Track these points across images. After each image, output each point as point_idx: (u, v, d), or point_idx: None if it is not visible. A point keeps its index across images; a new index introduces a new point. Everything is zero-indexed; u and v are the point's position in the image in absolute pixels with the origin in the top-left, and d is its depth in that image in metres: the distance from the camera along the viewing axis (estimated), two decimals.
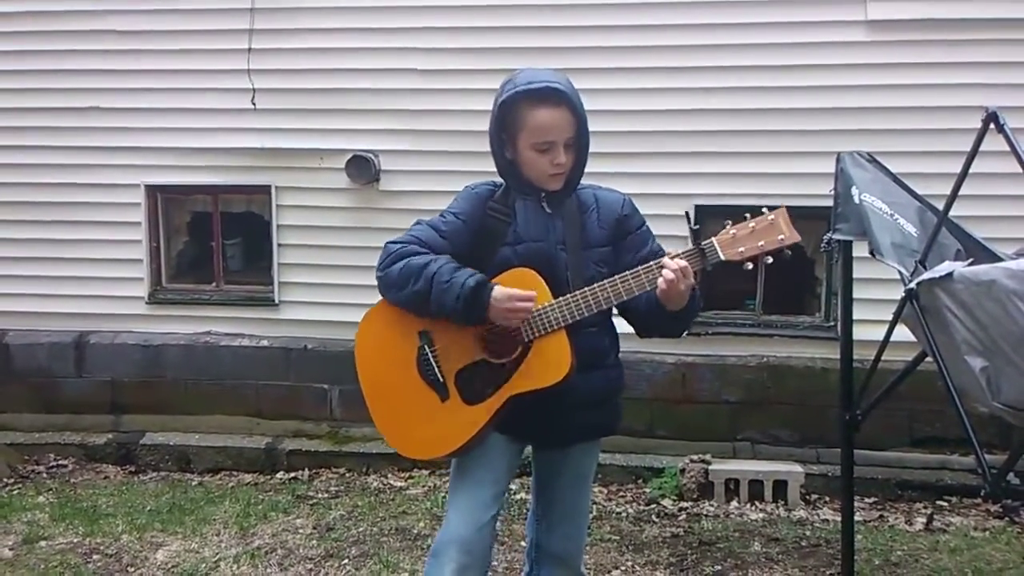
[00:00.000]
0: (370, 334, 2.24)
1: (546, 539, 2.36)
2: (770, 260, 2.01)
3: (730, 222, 2.03)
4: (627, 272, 2.05)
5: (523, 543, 2.47)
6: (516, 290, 2.03)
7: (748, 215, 2.02)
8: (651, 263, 2.04)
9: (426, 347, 2.16)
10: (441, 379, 2.15)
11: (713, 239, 2.02)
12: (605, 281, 2.06)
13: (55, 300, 5.49)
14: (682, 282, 1.98)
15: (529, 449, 2.35)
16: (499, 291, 2.03)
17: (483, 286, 2.03)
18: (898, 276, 2.67)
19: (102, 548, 3.83)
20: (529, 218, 2.17)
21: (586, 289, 2.05)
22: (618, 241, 2.22)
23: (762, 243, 1.99)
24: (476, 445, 2.15)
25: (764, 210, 2.02)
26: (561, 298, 2.06)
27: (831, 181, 2.97)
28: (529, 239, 2.15)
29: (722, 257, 2.01)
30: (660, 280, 1.98)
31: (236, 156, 5.28)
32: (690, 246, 2.05)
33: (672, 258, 2.01)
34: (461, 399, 2.14)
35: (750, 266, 2.01)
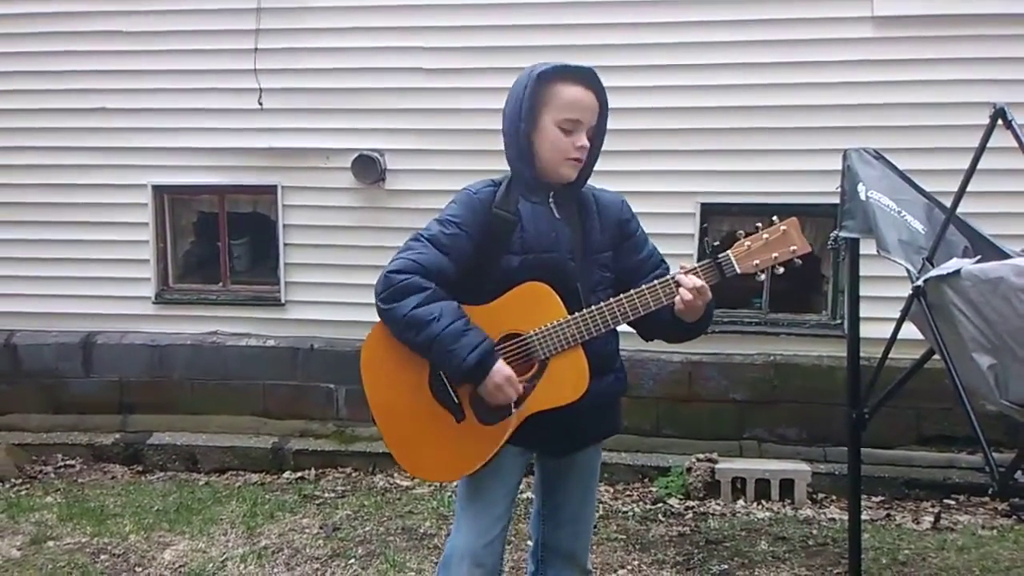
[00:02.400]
0: (377, 355, 2.16)
1: (553, 538, 2.34)
2: (781, 270, 2.03)
3: (743, 233, 2.03)
4: (644, 287, 2.03)
5: (528, 542, 2.46)
6: (510, 373, 2.00)
7: (759, 225, 2.02)
8: (667, 277, 2.03)
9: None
10: (456, 400, 2.09)
11: (729, 252, 2.02)
12: (622, 296, 2.03)
13: (62, 300, 5.52)
14: (700, 299, 1.98)
15: None
16: (496, 372, 1.99)
17: (485, 363, 1.98)
18: (905, 273, 2.66)
19: (110, 548, 3.84)
20: (538, 225, 2.10)
21: (603, 306, 2.02)
22: (620, 244, 2.20)
23: (775, 254, 2.00)
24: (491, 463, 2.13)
25: (774, 219, 2.03)
26: (577, 314, 2.03)
27: (838, 178, 2.96)
28: (539, 249, 2.09)
29: (738, 271, 2.02)
30: (678, 299, 1.99)
31: (242, 156, 5.30)
32: (706, 259, 2.04)
33: (687, 273, 2.00)
34: (477, 420, 2.09)
35: (762, 277, 2.04)
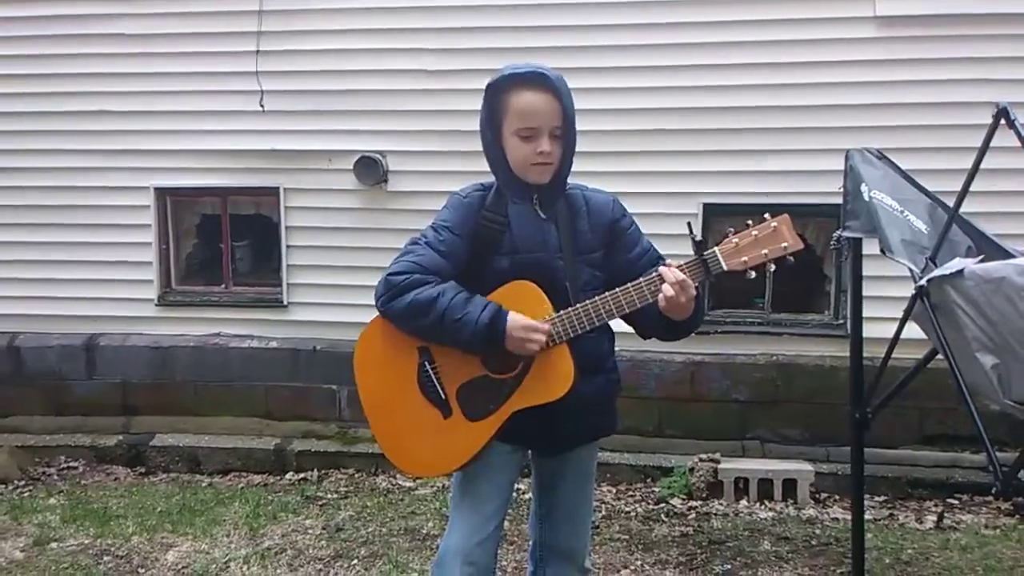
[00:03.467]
0: (368, 351, 2.19)
1: (551, 538, 2.35)
2: (773, 268, 1.98)
3: (732, 230, 2.00)
4: (628, 284, 2.01)
5: (530, 542, 2.46)
6: (529, 320, 2.00)
7: (750, 222, 1.99)
8: (652, 274, 2.00)
9: (426, 363, 2.11)
10: (443, 396, 2.11)
11: (716, 249, 1.99)
12: (607, 294, 2.02)
13: (65, 303, 5.53)
14: (683, 295, 1.95)
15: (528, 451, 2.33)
16: (513, 321, 1.99)
17: (497, 318, 1.99)
18: (908, 273, 2.66)
19: (113, 549, 3.85)
20: (524, 225, 2.12)
21: (587, 303, 2.02)
22: (611, 244, 2.19)
23: (766, 251, 1.96)
24: (479, 459, 2.13)
25: (766, 216, 1.99)
26: (563, 312, 2.02)
27: (840, 178, 2.95)
28: (526, 249, 2.10)
29: (725, 268, 1.98)
30: (661, 296, 1.96)
31: (245, 158, 5.30)
32: (692, 256, 2.01)
33: (670, 270, 1.97)
34: (464, 416, 2.10)
35: (753, 274, 1.99)
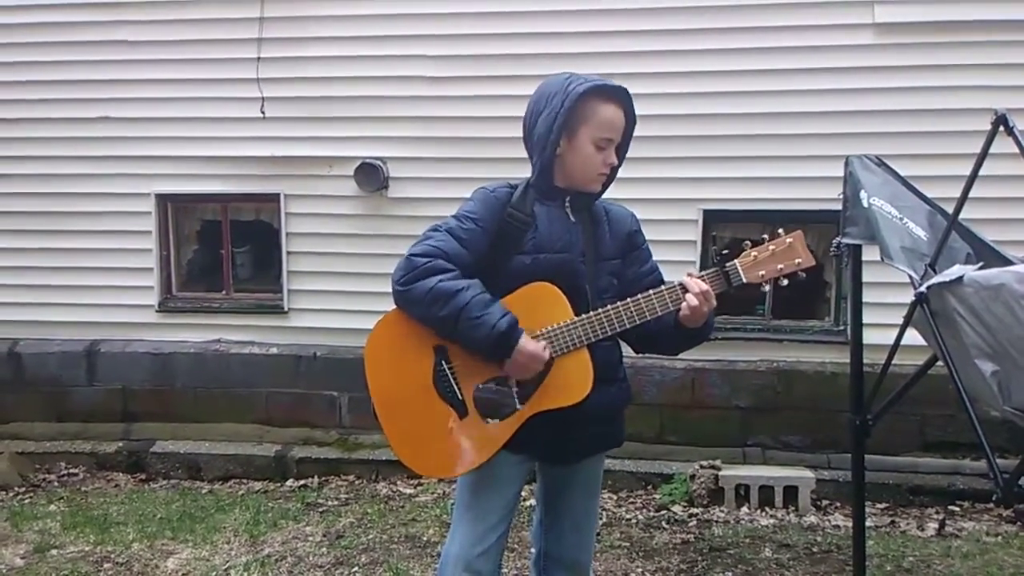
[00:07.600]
0: (381, 348, 2.15)
1: (556, 548, 2.34)
2: (786, 282, 2.06)
3: (749, 243, 2.07)
4: (650, 292, 2.05)
5: (532, 550, 2.46)
6: (537, 349, 2.00)
7: (766, 237, 2.07)
8: (674, 283, 2.05)
9: (443, 363, 2.10)
10: (460, 396, 2.09)
11: (736, 261, 2.06)
12: (628, 300, 2.05)
13: (66, 309, 5.53)
14: (706, 305, 2.02)
15: None
16: (524, 343, 1.99)
17: (513, 330, 1.99)
18: (908, 280, 2.66)
19: (113, 556, 3.85)
20: (552, 227, 2.13)
21: (609, 308, 2.04)
22: (626, 254, 2.24)
23: (781, 266, 2.04)
24: (489, 466, 2.11)
25: (780, 232, 2.07)
26: (584, 316, 2.04)
27: (840, 185, 2.96)
28: (552, 250, 2.11)
29: (744, 280, 2.05)
30: (684, 305, 2.02)
31: (245, 164, 5.31)
32: (712, 266, 2.08)
33: (694, 280, 2.03)
34: (480, 417, 2.09)
35: (767, 287, 2.07)
